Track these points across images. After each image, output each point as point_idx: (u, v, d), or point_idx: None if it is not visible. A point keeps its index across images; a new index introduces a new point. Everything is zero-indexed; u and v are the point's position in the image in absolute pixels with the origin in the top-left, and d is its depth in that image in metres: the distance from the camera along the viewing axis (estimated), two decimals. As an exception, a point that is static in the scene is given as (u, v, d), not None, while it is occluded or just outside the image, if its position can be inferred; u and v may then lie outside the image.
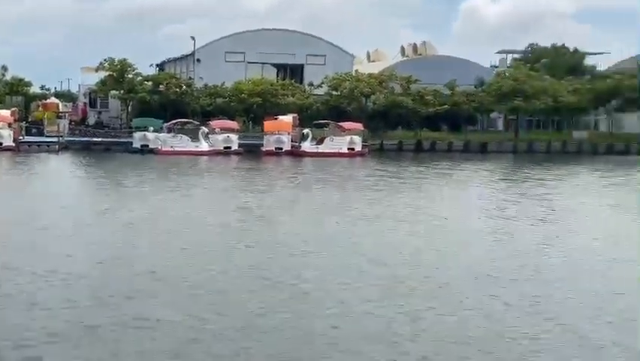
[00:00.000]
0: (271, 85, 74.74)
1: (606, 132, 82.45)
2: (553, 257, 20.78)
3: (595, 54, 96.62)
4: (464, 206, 32.44)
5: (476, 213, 29.84)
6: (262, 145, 64.76)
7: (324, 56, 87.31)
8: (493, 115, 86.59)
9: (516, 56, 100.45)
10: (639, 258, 20.44)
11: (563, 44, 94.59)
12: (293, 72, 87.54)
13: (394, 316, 14.48)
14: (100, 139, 66.88)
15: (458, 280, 17.50)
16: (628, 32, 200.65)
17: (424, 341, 13.19)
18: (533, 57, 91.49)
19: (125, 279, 17.01)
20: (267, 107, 71.05)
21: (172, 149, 61.52)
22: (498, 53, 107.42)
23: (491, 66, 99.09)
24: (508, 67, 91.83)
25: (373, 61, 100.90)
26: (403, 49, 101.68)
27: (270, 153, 63.10)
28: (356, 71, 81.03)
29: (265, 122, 65.85)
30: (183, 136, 63.79)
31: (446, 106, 75.52)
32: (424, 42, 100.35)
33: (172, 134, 63.83)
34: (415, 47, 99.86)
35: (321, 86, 76.41)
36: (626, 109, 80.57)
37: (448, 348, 12.81)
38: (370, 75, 77.56)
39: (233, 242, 21.95)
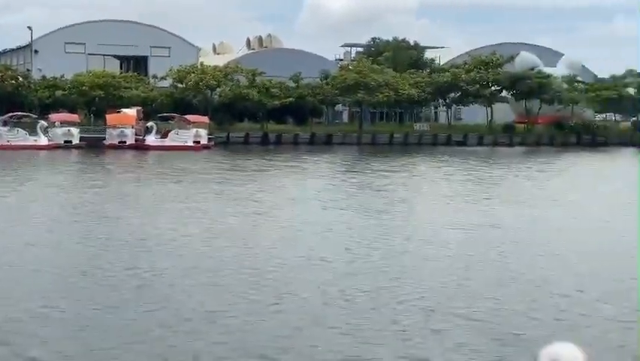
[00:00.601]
0: (114, 77, 73.29)
1: (445, 124, 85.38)
2: (380, 247, 21.44)
3: (434, 48, 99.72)
4: (299, 198, 32.78)
5: (310, 204, 30.31)
6: (105, 139, 63.42)
7: (169, 47, 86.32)
8: (338, 107, 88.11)
9: (360, 49, 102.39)
10: (464, 242, 21.45)
11: (404, 39, 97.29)
12: (137, 64, 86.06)
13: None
14: None
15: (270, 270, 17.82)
16: (465, 28, 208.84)
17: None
18: (376, 51, 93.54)
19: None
20: (110, 100, 69.57)
21: (8, 143, 59.37)
22: (342, 46, 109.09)
23: (336, 59, 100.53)
24: (352, 60, 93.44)
25: (219, 53, 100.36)
26: (248, 41, 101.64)
27: (113, 147, 61.82)
28: (201, 63, 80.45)
29: (108, 116, 64.51)
30: (20, 130, 61.63)
31: (292, 99, 76.21)
32: (270, 35, 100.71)
33: (8, 127, 61.56)
34: (260, 40, 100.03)
35: (166, 79, 75.48)
36: (464, 101, 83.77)
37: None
38: (216, 68, 77.23)
39: (55, 238, 21.48)
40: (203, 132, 65.66)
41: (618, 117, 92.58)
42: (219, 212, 27.23)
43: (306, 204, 30.28)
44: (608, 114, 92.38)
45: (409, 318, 14.44)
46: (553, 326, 14.19)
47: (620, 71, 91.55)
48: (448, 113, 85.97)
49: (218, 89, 76.39)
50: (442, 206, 30.68)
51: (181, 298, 15.50)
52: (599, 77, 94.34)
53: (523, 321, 14.45)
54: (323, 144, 72.66)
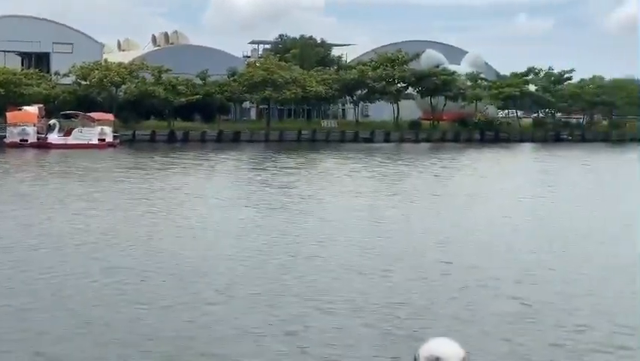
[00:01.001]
0: (14, 74, 71.33)
1: (353, 121, 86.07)
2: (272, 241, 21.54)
3: (341, 46, 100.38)
4: (200, 196, 32.56)
5: (210, 202, 30.19)
6: (5, 137, 61.80)
7: (72, 44, 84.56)
8: (245, 105, 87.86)
9: (267, 46, 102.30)
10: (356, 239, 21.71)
11: (311, 36, 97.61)
12: (38, 61, 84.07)
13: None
14: None
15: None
16: (371, 25, 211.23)
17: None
18: (284, 48, 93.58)
19: None
20: (11, 98, 67.70)
21: None
22: (250, 43, 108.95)
23: (243, 56, 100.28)
24: (259, 57, 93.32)
25: (124, 50, 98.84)
26: (154, 38, 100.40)
27: (13, 145, 60.25)
28: (105, 60, 79.11)
29: (8, 113, 62.83)
30: None
31: (199, 96, 75.68)
32: (176, 31, 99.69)
33: None
34: (166, 37, 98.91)
35: (69, 76, 73.97)
36: (371, 98, 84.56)
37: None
38: (121, 64, 76.06)
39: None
40: (108, 130, 64.58)
41: (520, 114, 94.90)
42: (117, 211, 26.88)
43: (207, 202, 30.13)
44: (510, 111, 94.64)
45: (288, 312, 14.56)
46: (440, 320, 14.48)
47: (521, 68, 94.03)
48: (355, 110, 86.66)
49: (123, 86, 75.29)
50: (344, 202, 30.93)
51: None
52: (501, 74, 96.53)
53: (413, 319, 14.71)
54: (231, 141, 72.41)
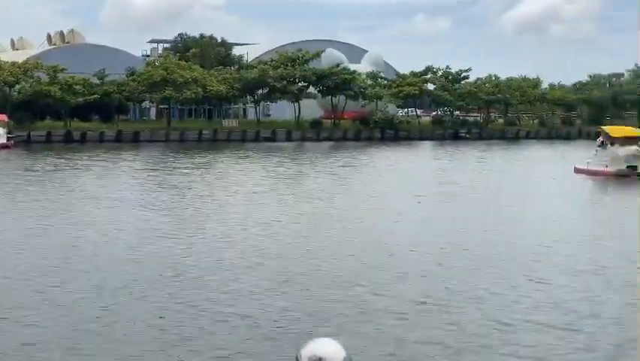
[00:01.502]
0: None
1: (254, 120, 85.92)
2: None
3: (242, 45, 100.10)
4: (92, 197, 31.91)
5: (102, 203, 29.70)
6: None
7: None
8: (145, 104, 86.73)
9: (167, 45, 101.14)
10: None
11: (212, 35, 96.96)
12: None
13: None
14: None
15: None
16: (272, 24, 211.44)
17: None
18: (183, 47, 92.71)
19: None
20: None
21: None
22: (149, 42, 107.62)
23: (143, 55, 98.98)
24: (159, 56, 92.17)
25: (18, 49, 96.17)
26: (49, 37, 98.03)
27: None
28: (-1, 59, 76.88)
29: None
30: None
31: (96, 95, 74.37)
32: (72, 30, 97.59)
33: None
34: (62, 35, 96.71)
35: (-41, 75, 71.63)
36: (272, 98, 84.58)
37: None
38: (14, 64, 74.05)
39: None
40: (1, 131, 62.83)
41: (420, 112, 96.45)
42: (8, 213, 26.20)
43: (99, 204, 29.62)
44: (410, 109, 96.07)
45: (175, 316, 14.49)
46: (316, 320, 14.60)
47: (420, 67, 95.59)
48: (256, 109, 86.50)
49: (17, 86, 73.38)
50: (236, 202, 30.88)
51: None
52: (400, 73, 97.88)
53: (286, 318, 14.79)
54: (130, 141, 71.35)
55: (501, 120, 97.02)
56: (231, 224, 24.83)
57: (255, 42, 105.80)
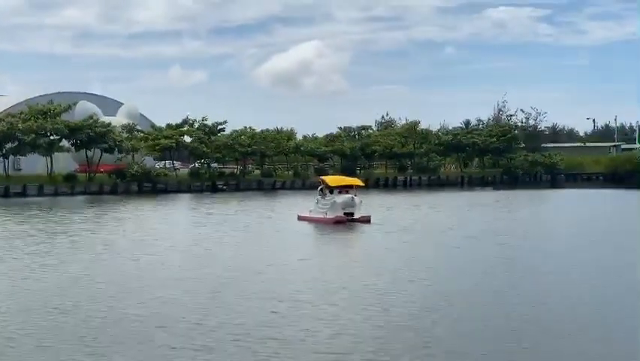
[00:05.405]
0: None
1: (3, 175, 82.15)
2: None
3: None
4: None
5: None
6: None
7: None
8: None
9: None
10: None
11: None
12: None
13: None
14: None
15: None
16: (20, 76, 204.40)
17: None
18: None
19: None
20: None
21: None
22: None
23: None
24: None
25: None
26: None
27: None
28: None
29: None
30: None
31: None
32: None
33: None
34: None
35: None
36: (22, 151, 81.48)
37: None
38: None
39: None
40: None
41: (178, 164, 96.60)
42: None
43: None
44: (168, 162, 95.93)
45: None
46: None
47: (177, 119, 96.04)
48: (5, 163, 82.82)
49: None
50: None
51: None
52: (157, 125, 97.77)
53: None
54: None
55: (258, 171, 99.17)
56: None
57: (3, 94, 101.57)
